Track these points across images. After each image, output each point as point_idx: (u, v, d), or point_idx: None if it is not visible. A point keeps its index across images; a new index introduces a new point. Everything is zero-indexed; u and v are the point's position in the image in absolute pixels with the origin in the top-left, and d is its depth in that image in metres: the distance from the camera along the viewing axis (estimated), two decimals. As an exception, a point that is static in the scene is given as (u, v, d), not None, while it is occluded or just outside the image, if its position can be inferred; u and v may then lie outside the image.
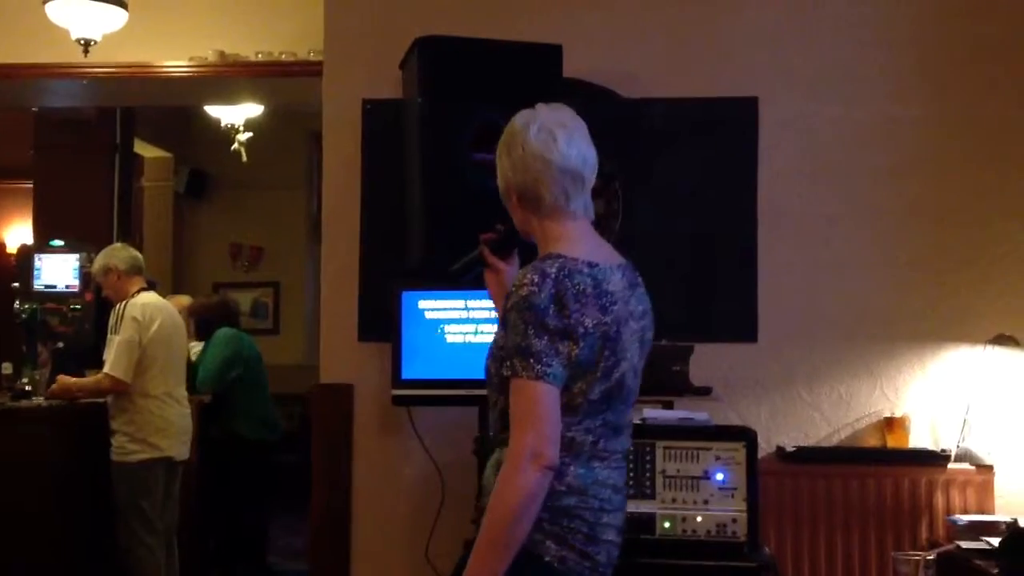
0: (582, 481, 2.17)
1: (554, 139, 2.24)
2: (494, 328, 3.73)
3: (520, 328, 2.11)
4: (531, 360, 2.09)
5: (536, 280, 2.12)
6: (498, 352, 2.21)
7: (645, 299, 2.33)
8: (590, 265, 2.19)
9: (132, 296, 4.76)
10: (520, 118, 2.30)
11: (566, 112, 2.31)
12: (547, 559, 2.13)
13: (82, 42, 5.05)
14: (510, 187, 2.31)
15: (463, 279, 2.61)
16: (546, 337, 2.10)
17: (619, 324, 2.19)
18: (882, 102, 4.20)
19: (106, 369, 4.62)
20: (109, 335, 4.71)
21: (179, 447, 4.74)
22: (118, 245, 5.13)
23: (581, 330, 2.12)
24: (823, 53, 4.23)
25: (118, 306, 4.75)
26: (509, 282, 2.31)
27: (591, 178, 2.30)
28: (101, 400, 4.73)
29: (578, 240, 2.25)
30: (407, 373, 3.81)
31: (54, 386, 4.81)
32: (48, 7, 5.02)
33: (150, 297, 4.83)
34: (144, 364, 4.64)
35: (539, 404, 2.08)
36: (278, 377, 6.48)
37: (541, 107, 2.31)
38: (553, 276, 2.13)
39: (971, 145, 4.18)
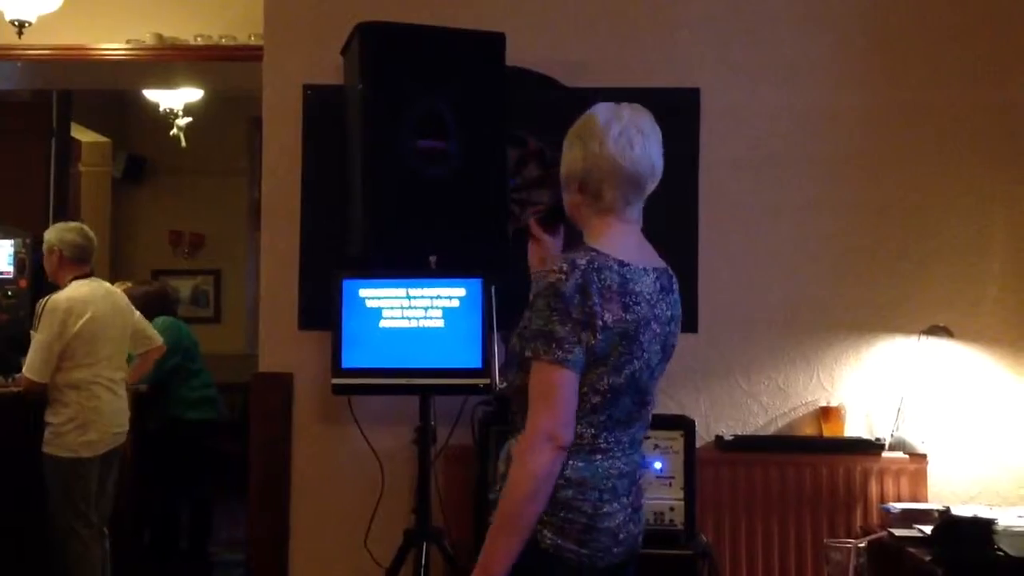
0: (580, 474, 2.22)
1: (631, 146, 2.29)
2: (435, 317, 3.76)
3: (545, 313, 2.19)
4: (553, 345, 2.17)
5: (565, 269, 2.20)
6: (524, 332, 2.27)
7: (676, 306, 2.40)
8: (621, 264, 2.26)
9: (65, 285, 4.61)
10: (602, 114, 2.32)
11: (646, 118, 2.34)
12: (543, 546, 2.20)
13: (16, 23, 4.93)
14: (574, 175, 2.34)
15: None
16: (569, 324, 2.17)
17: (639, 324, 2.26)
18: (822, 94, 4.25)
19: (23, 370, 4.50)
20: (31, 330, 4.55)
21: (111, 439, 4.62)
22: (73, 225, 4.85)
23: (599, 323, 2.19)
24: (765, 44, 4.27)
25: (40, 301, 4.58)
26: (551, 254, 2.47)
27: (652, 186, 2.35)
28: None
29: (618, 240, 2.30)
30: (347, 362, 3.79)
31: None
32: (-19, -13, 4.91)
33: (79, 289, 4.61)
34: (74, 358, 4.49)
35: (557, 387, 2.17)
36: (219, 366, 6.40)
37: (624, 107, 2.34)
38: (582, 268, 2.20)
39: (908, 136, 4.23)
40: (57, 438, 4.48)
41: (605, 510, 2.25)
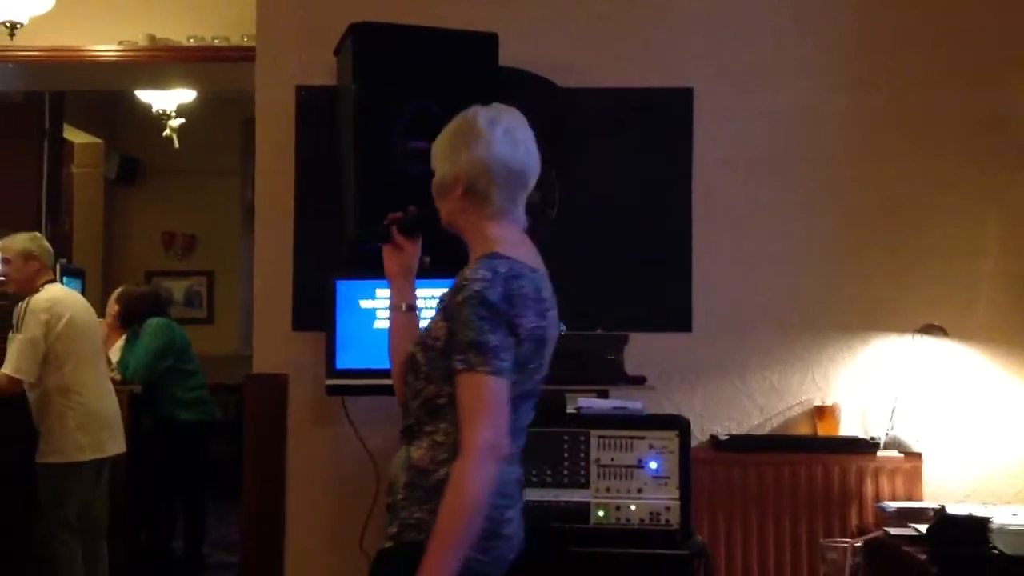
0: None
1: (515, 145, 2.28)
2: (428, 317, 3.74)
3: (475, 323, 2.14)
4: (488, 355, 2.12)
5: (488, 277, 2.16)
6: (433, 343, 2.23)
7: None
8: (532, 270, 2.24)
9: (38, 289, 4.60)
10: (483, 116, 2.30)
11: (520, 117, 2.34)
12: None
13: (8, 25, 4.93)
14: (459, 180, 2.29)
15: (358, 251, 2.56)
16: (500, 333, 2.14)
17: (548, 330, 2.26)
18: (816, 94, 4.24)
19: (4, 367, 4.44)
20: (11, 333, 4.51)
21: (108, 443, 4.59)
22: (35, 233, 4.91)
23: (523, 331, 2.17)
24: (758, 45, 4.26)
25: (22, 303, 4.57)
26: (411, 263, 2.47)
27: (532, 186, 2.33)
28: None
29: (517, 245, 2.28)
30: (341, 363, 3.78)
31: None
32: (-28, -12, 4.90)
33: (56, 291, 4.67)
34: (58, 360, 4.48)
35: (496, 398, 2.13)
36: (213, 367, 6.40)
37: (500, 107, 2.33)
38: (504, 275, 2.17)
39: (901, 136, 4.23)
40: (52, 445, 4.46)
41: (507, 515, 2.23)
